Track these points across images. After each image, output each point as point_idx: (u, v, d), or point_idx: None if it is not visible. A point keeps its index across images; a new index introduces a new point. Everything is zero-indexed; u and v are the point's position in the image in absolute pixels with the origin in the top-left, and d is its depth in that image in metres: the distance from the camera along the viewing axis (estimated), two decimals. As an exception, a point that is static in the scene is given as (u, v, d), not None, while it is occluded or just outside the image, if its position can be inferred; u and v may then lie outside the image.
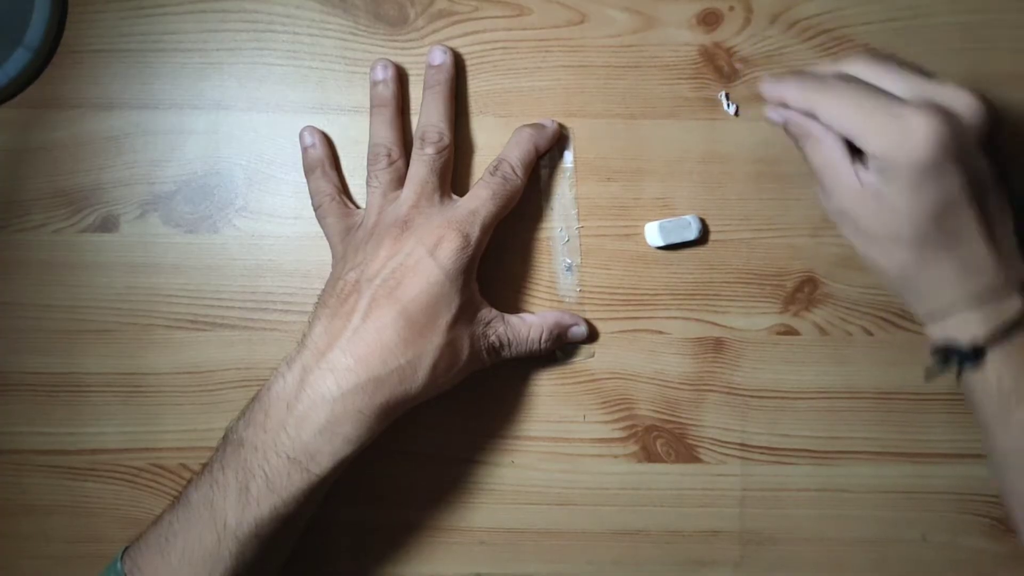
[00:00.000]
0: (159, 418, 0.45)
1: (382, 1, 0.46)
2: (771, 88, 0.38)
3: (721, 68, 0.46)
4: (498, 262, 0.45)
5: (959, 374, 0.37)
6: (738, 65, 0.46)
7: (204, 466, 0.37)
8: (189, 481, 0.37)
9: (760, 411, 0.45)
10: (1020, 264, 0.36)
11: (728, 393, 0.45)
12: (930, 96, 0.34)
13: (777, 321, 0.45)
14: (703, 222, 0.45)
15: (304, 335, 0.39)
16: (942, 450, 0.45)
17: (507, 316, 0.42)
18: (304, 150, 0.45)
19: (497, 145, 0.45)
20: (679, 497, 0.45)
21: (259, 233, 0.46)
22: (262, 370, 0.45)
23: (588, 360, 0.45)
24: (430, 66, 0.44)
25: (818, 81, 0.36)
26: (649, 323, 0.45)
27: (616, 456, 0.45)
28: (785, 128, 0.39)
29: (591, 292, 0.45)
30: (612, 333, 0.45)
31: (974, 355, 0.35)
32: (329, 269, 0.43)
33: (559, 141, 0.45)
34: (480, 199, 0.41)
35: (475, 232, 0.40)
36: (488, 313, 0.42)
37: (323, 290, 0.40)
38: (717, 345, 0.45)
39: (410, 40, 0.46)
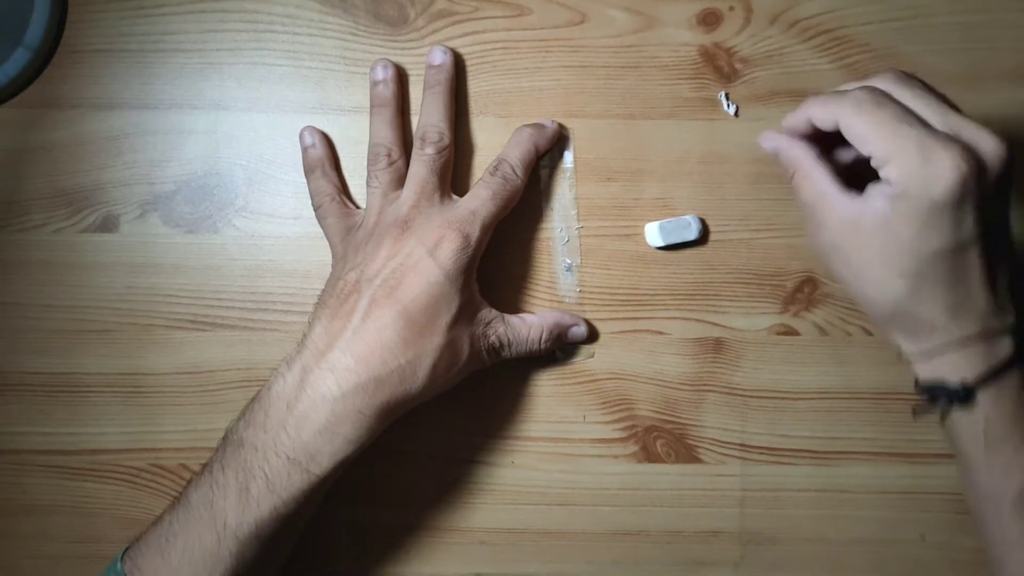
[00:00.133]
0: (159, 418, 0.45)
1: (382, 1, 0.46)
2: (791, 118, 0.37)
3: (721, 68, 0.46)
4: (498, 262, 0.45)
5: (945, 414, 0.36)
6: (738, 65, 0.46)
7: (204, 466, 0.37)
8: (189, 481, 0.37)
9: (760, 411, 0.45)
10: (1011, 307, 0.36)
11: (728, 393, 0.45)
12: (957, 131, 0.33)
13: (777, 321, 0.45)
14: (703, 222, 0.45)
15: (304, 335, 0.39)
16: (941, 450, 0.45)
17: (507, 316, 0.42)
18: (304, 150, 0.45)
19: (497, 145, 0.45)
20: (679, 497, 0.45)
21: (259, 233, 0.46)
22: (262, 370, 0.45)
23: (588, 360, 0.45)
24: (430, 66, 0.44)
25: (847, 96, 0.35)
26: (649, 323, 0.45)
27: (616, 456, 0.45)
28: (777, 158, 0.38)
29: (591, 292, 0.45)
30: (612, 333, 0.45)
31: (964, 396, 0.35)
32: (329, 269, 0.43)
33: (559, 141, 0.45)
34: (480, 199, 0.41)
35: (475, 232, 0.40)
36: (488, 313, 0.42)
37: (323, 290, 0.40)
38: (717, 345, 0.45)
39: (410, 40, 0.46)
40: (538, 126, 0.44)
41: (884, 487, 0.45)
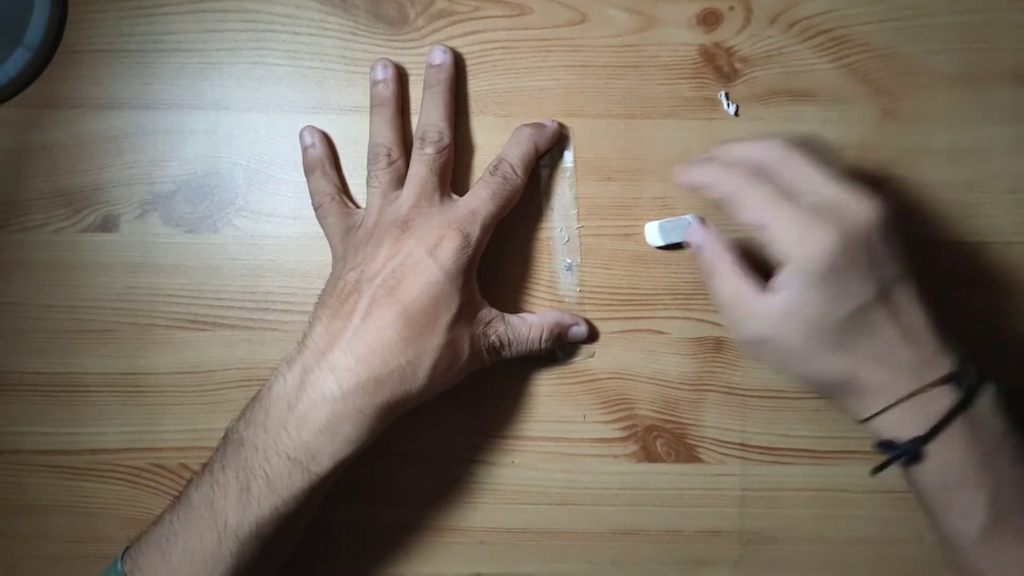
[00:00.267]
0: (159, 418, 0.45)
1: (382, 1, 0.46)
2: (684, 174, 0.39)
3: (721, 68, 0.46)
4: (498, 262, 0.45)
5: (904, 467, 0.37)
6: (738, 65, 0.46)
7: (204, 466, 0.37)
8: (189, 481, 0.37)
9: (759, 411, 0.45)
10: (947, 355, 0.36)
11: (728, 393, 0.45)
12: (831, 201, 0.35)
13: (777, 321, 0.45)
14: (703, 222, 0.45)
15: (304, 335, 0.39)
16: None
17: (507, 316, 0.42)
18: (304, 150, 0.45)
19: (497, 145, 0.45)
20: (679, 497, 0.45)
21: (259, 233, 0.46)
22: (262, 370, 0.45)
23: (588, 360, 0.45)
24: (430, 66, 0.44)
25: (730, 178, 0.37)
26: (649, 323, 0.45)
27: (616, 456, 0.45)
28: (696, 253, 0.40)
29: (591, 292, 0.45)
30: (612, 333, 0.45)
31: (913, 453, 0.36)
32: (329, 269, 0.43)
33: (559, 141, 0.45)
34: (480, 199, 0.41)
35: (475, 232, 0.40)
36: (488, 313, 0.42)
37: (323, 290, 0.40)
38: (717, 345, 0.45)
39: (410, 40, 0.46)
40: (538, 125, 0.44)
41: (883, 487, 0.45)
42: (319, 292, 0.41)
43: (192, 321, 0.45)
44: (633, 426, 0.45)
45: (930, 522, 0.38)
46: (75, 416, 0.45)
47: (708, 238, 0.39)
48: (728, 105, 0.45)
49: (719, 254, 0.39)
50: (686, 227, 0.44)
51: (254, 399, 0.38)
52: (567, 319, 0.44)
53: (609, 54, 0.46)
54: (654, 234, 0.44)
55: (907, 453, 0.36)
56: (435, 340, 0.38)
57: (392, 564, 0.45)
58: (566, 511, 0.45)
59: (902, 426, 0.36)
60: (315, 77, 0.46)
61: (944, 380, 0.36)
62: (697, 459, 0.45)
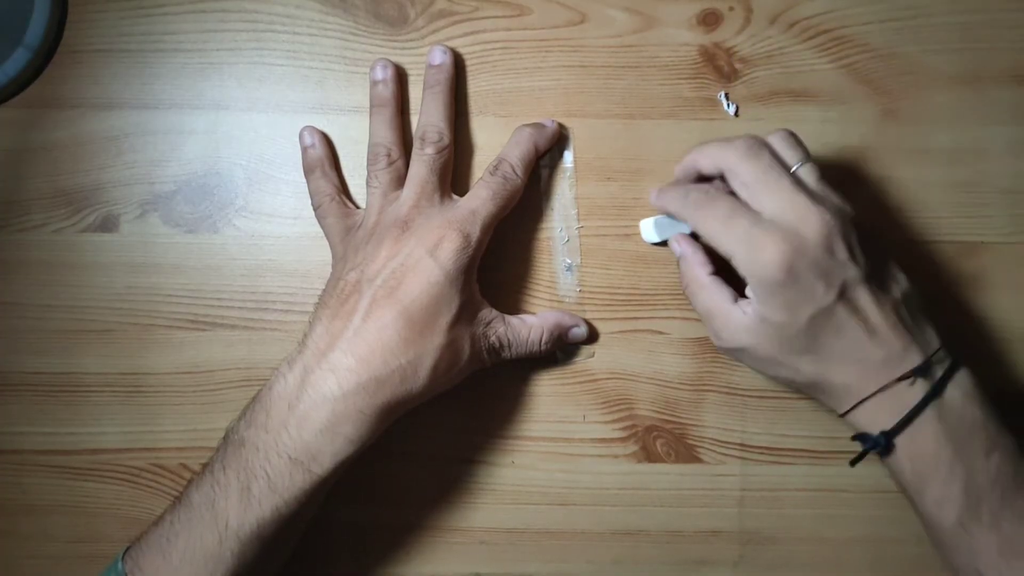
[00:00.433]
0: (159, 418, 0.45)
1: (382, 1, 0.46)
2: (656, 198, 0.42)
3: (721, 68, 0.46)
4: (498, 262, 0.45)
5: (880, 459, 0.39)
6: (738, 65, 0.46)
7: (205, 466, 0.37)
8: (190, 481, 0.37)
9: (759, 411, 0.45)
10: (915, 348, 0.37)
11: (727, 393, 0.45)
12: (783, 212, 0.37)
13: (777, 321, 0.45)
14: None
15: (305, 335, 0.39)
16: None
17: (507, 317, 0.42)
18: (304, 150, 0.45)
19: (497, 145, 0.45)
20: (679, 497, 0.45)
21: (259, 233, 0.46)
22: (262, 370, 0.45)
23: (588, 360, 0.45)
24: (430, 66, 0.44)
25: (687, 197, 0.39)
26: (649, 323, 0.45)
27: (616, 456, 0.45)
28: (678, 263, 0.42)
29: (591, 292, 0.45)
30: (612, 333, 0.45)
31: (884, 445, 0.38)
32: (329, 269, 0.43)
33: (559, 141, 0.45)
34: (480, 199, 0.41)
35: (475, 232, 0.40)
36: (489, 313, 0.42)
37: (323, 290, 0.41)
38: (717, 345, 0.45)
39: (410, 40, 0.46)
40: (538, 125, 0.44)
41: (882, 487, 0.45)
42: (319, 292, 0.41)
43: (192, 321, 0.45)
44: (633, 426, 0.45)
45: (912, 508, 0.40)
46: (75, 416, 0.45)
47: (687, 251, 0.41)
48: (728, 105, 0.45)
49: (697, 267, 0.41)
50: (681, 223, 0.44)
51: (254, 399, 0.38)
52: (567, 320, 0.44)
53: (609, 54, 0.46)
54: (649, 230, 0.44)
55: (878, 445, 0.38)
56: (435, 340, 0.38)
57: (392, 564, 0.45)
58: (566, 511, 0.45)
59: (874, 419, 0.38)
60: (315, 77, 0.46)
61: (912, 374, 0.37)
62: (697, 459, 0.45)
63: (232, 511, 0.35)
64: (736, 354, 0.41)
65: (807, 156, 0.39)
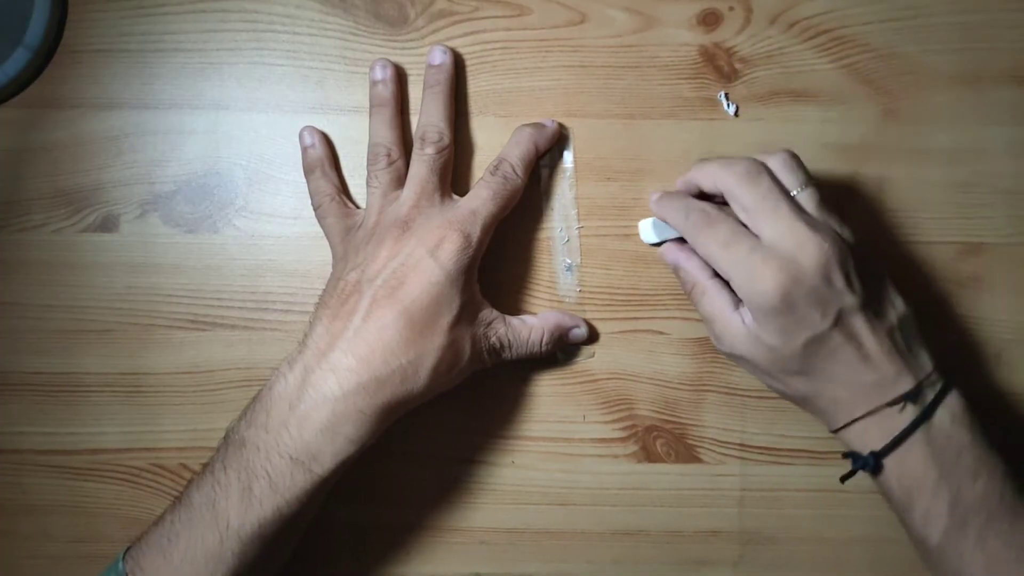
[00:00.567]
0: (159, 418, 0.45)
1: (382, 1, 0.46)
2: (657, 206, 0.42)
3: (721, 68, 0.46)
4: (498, 262, 0.45)
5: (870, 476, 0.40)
6: (738, 65, 0.46)
7: (205, 466, 0.37)
8: (190, 481, 0.37)
9: (759, 411, 0.45)
10: (908, 373, 0.38)
11: (727, 393, 0.45)
12: (783, 238, 0.37)
13: (777, 321, 0.45)
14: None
15: (305, 335, 0.39)
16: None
17: (508, 318, 0.42)
18: (304, 150, 0.45)
19: (497, 145, 0.45)
20: (679, 497, 0.45)
21: (259, 233, 0.46)
22: (262, 370, 0.45)
23: (588, 360, 0.45)
24: (430, 66, 0.44)
25: (689, 219, 0.40)
26: (649, 323, 0.45)
27: (616, 456, 0.45)
28: (675, 272, 0.42)
29: (591, 292, 0.45)
30: (612, 333, 0.45)
31: (873, 464, 0.38)
32: (329, 269, 0.43)
33: (559, 141, 0.45)
34: (481, 199, 0.41)
35: (476, 232, 0.40)
36: (489, 314, 0.42)
37: (324, 290, 0.40)
38: (717, 345, 0.45)
39: (410, 40, 0.46)
40: (538, 125, 0.44)
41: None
42: (319, 292, 0.41)
43: (192, 321, 0.45)
44: (633, 426, 0.45)
45: (901, 524, 0.40)
46: (75, 416, 0.45)
47: (680, 258, 0.41)
48: (728, 105, 0.45)
49: (698, 271, 0.41)
50: None
51: (255, 399, 0.38)
52: (567, 321, 0.44)
53: (609, 54, 0.46)
54: (648, 231, 0.44)
55: (867, 465, 0.38)
56: (436, 340, 0.38)
57: (392, 564, 0.45)
58: (566, 511, 0.45)
59: (865, 439, 0.39)
60: (315, 77, 0.46)
61: (903, 398, 0.38)
62: (697, 459, 0.45)
63: (233, 511, 0.35)
64: (735, 360, 0.41)
65: (808, 179, 0.39)
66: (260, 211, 0.46)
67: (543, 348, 0.43)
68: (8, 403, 0.45)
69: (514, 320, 0.43)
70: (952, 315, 0.45)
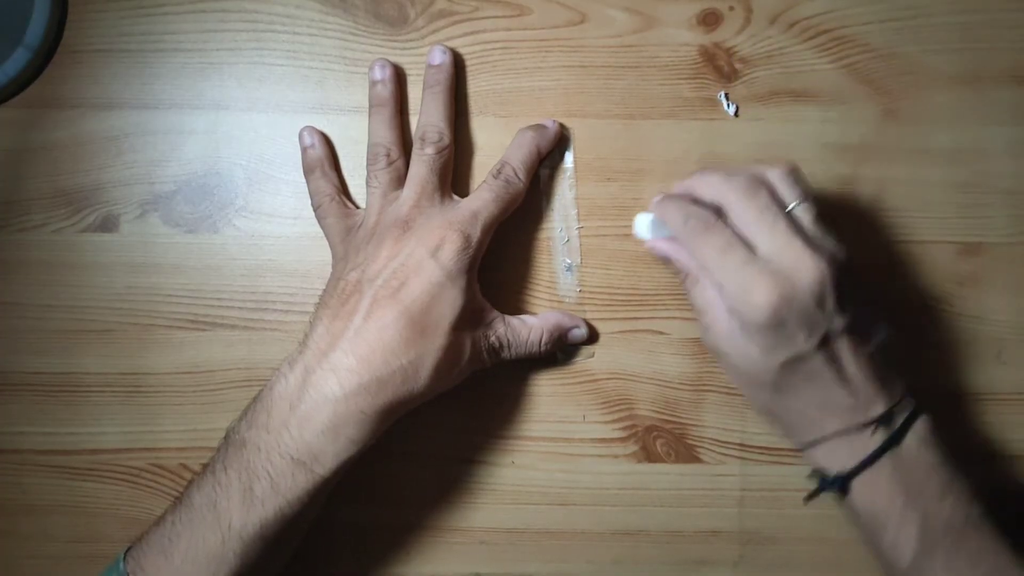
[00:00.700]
0: (159, 418, 0.45)
1: (382, 1, 0.46)
2: (658, 207, 0.41)
3: (721, 68, 0.46)
4: (498, 262, 0.45)
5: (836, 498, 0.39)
6: (738, 65, 0.46)
7: (205, 466, 0.37)
8: (190, 482, 0.37)
9: (759, 411, 0.45)
10: (881, 398, 0.38)
11: (727, 393, 0.45)
12: (778, 256, 0.36)
13: (777, 321, 0.45)
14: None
15: (305, 335, 0.39)
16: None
17: (508, 317, 0.42)
18: (303, 150, 0.45)
19: (497, 145, 0.45)
20: (679, 497, 0.45)
21: (259, 233, 0.46)
22: (263, 370, 0.45)
23: (588, 360, 0.45)
24: (430, 66, 0.44)
25: (686, 223, 0.38)
26: (649, 323, 0.45)
27: (616, 456, 0.45)
28: (666, 261, 0.41)
29: (591, 292, 0.45)
30: (612, 333, 0.45)
31: (840, 486, 0.38)
32: (329, 269, 0.43)
33: (559, 142, 0.45)
34: (482, 200, 0.41)
35: (476, 233, 0.40)
36: (489, 314, 0.42)
37: (324, 291, 0.40)
38: (717, 345, 0.45)
39: (410, 40, 0.46)
40: (540, 128, 0.44)
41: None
42: (319, 292, 0.41)
43: (192, 321, 0.45)
44: (633, 426, 0.45)
45: (867, 548, 0.40)
46: (75, 416, 0.45)
47: (674, 249, 0.40)
48: (728, 105, 0.45)
49: (690, 261, 0.40)
50: None
51: (255, 399, 0.38)
52: (567, 322, 0.44)
53: (609, 54, 0.46)
54: (644, 227, 0.42)
55: (834, 485, 0.38)
56: (437, 341, 0.38)
57: (392, 564, 0.45)
58: (566, 511, 0.45)
59: (832, 460, 0.38)
60: (315, 77, 0.46)
61: (874, 421, 0.37)
62: (697, 459, 0.45)
63: (235, 512, 0.35)
64: (715, 353, 0.40)
65: (806, 194, 0.38)
66: (260, 211, 0.46)
67: (543, 348, 0.43)
68: (8, 403, 0.45)
69: (514, 320, 0.43)
70: (952, 315, 0.45)
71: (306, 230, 0.45)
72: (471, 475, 0.45)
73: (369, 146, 0.44)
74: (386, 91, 0.44)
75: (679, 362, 0.45)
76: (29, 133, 0.45)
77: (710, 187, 0.39)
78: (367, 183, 0.43)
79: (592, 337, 0.45)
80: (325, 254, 0.44)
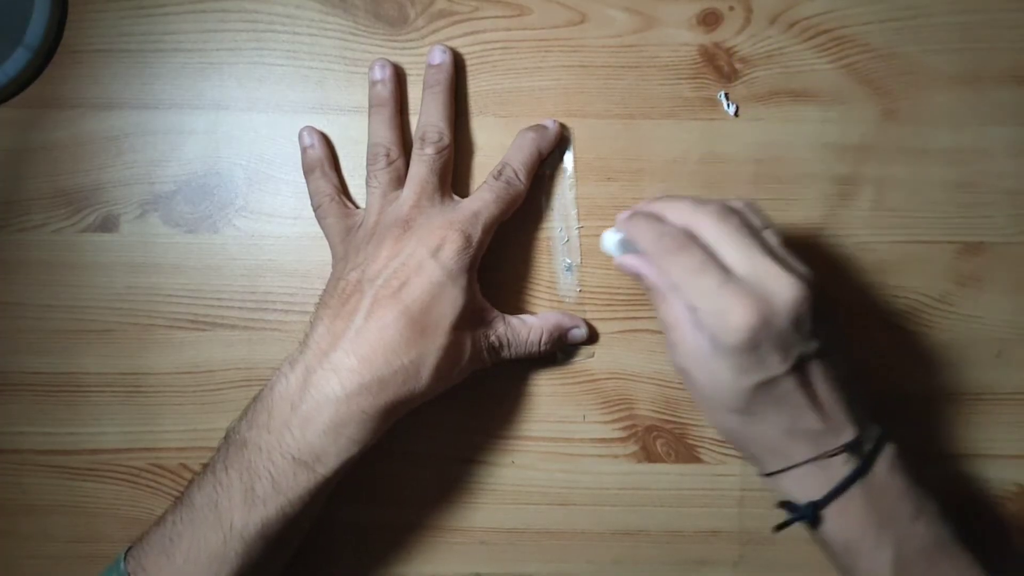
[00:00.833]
0: (159, 418, 0.45)
1: (382, 1, 0.46)
2: (626, 225, 0.39)
3: (721, 68, 0.46)
4: (498, 262, 0.45)
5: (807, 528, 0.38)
6: (738, 65, 0.46)
7: (205, 466, 0.37)
8: (191, 482, 0.37)
9: (760, 411, 0.45)
10: (851, 424, 0.37)
11: (728, 393, 0.45)
12: (756, 276, 0.35)
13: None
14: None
15: (306, 335, 0.39)
16: (938, 450, 0.45)
17: (508, 317, 0.42)
18: (303, 150, 0.45)
19: (497, 145, 0.45)
20: (679, 497, 0.45)
21: (259, 233, 0.46)
22: (263, 370, 0.45)
23: (588, 360, 0.46)
24: (430, 66, 0.44)
25: (660, 241, 0.37)
26: (649, 323, 0.45)
27: (616, 456, 0.45)
28: (636, 278, 0.40)
29: (591, 292, 0.45)
30: (612, 333, 0.45)
31: (811, 515, 0.37)
32: (329, 269, 0.43)
33: (559, 142, 0.45)
34: (483, 201, 0.41)
35: (476, 233, 0.40)
36: (489, 313, 0.42)
37: (324, 291, 0.41)
38: (717, 345, 0.45)
39: (410, 40, 0.46)
40: (540, 129, 0.44)
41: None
42: (319, 292, 0.41)
43: (192, 321, 0.45)
44: (633, 426, 0.45)
45: None
46: (75, 416, 0.45)
47: (643, 264, 0.38)
48: (728, 105, 0.45)
49: (660, 277, 0.38)
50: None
51: (256, 399, 0.38)
52: (567, 321, 0.44)
53: (609, 54, 0.46)
54: (612, 245, 0.41)
55: (805, 516, 0.37)
56: (437, 340, 0.38)
57: (392, 564, 0.45)
58: (566, 511, 0.45)
59: (801, 488, 0.37)
60: (315, 77, 0.46)
61: (843, 449, 0.36)
62: (697, 459, 0.45)
63: (236, 511, 0.35)
64: (681, 372, 0.38)
65: (769, 223, 0.38)
66: (260, 211, 0.46)
67: (542, 347, 0.43)
68: (8, 403, 0.45)
69: (513, 319, 0.43)
70: (952, 315, 0.45)
71: (306, 230, 0.45)
72: (471, 475, 0.45)
73: (369, 146, 0.44)
74: (386, 91, 0.44)
75: (679, 362, 0.45)
76: (29, 133, 0.45)
77: (679, 211, 0.38)
78: (367, 183, 0.43)
79: (592, 337, 0.45)
80: (325, 254, 0.44)
